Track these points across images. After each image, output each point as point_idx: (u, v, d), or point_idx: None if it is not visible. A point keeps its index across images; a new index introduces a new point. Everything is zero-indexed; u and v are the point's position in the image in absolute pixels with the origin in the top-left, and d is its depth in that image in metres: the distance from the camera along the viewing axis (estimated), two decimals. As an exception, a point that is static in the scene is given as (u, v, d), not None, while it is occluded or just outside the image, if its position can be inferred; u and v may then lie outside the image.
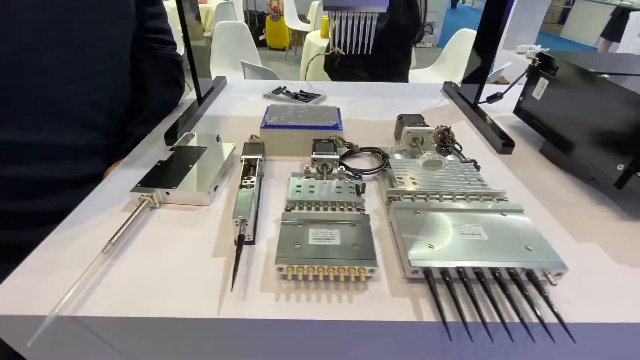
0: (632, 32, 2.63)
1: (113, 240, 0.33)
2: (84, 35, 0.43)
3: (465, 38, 2.20)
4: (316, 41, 2.14)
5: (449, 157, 0.50)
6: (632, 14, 2.71)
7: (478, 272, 0.30)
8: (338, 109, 0.55)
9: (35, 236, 0.37)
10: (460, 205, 0.37)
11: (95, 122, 0.48)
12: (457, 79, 1.24)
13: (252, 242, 0.35)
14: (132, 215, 0.36)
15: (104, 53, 0.47)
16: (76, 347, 0.32)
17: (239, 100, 0.72)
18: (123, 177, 0.46)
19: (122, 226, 0.35)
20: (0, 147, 0.39)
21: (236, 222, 0.33)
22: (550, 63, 0.51)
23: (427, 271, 0.30)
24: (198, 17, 0.62)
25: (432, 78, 2.39)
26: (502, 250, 0.31)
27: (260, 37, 4.32)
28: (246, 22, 4.01)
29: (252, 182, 0.40)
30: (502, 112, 0.67)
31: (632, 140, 0.38)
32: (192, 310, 0.29)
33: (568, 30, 5.23)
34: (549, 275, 0.30)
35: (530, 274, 0.30)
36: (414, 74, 2.45)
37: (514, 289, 0.29)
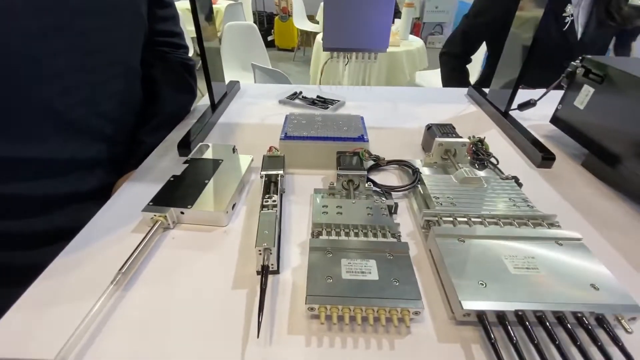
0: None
1: (123, 270, 0.30)
2: (92, 40, 0.40)
3: (479, 39, 2.14)
4: (326, 42, 2.10)
5: (482, 172, 0.46)
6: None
7: (540, 316, 0.26)
8: (362, 118, 0.51)
9: (42, 256, 0.34)
10: (509, 231, 0.33)
11: (103, 132, 0.45)
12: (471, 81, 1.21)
13: (277, 272, 0.32)
14: (143, 239, 0.33)
15: (113, 59, 0.44)
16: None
17: (253, 106, 0.68)
18: (133, 192, 0.42)
19: (133, 253, 0.31)
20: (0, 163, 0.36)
21: (259, 251, 0.30)
22: (596, 70, 0.47)
23: (481, 314, 0.26)
24: (211, 17, 0.59)
25: (444, 80, 2.33)
26: (565, 290, 0.27)
27: (269, 38, 4.30)
28: (255, 22, 3.99)
29: (274, 202, 0.36)
30: (535, 121, 0.63)
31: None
32: (212, 356, 0.25)
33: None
34: (622, 320, 0.26)
35: (600, 319, 0.26)
36: (424, 76, 2.40)
37: (582, 336, 0.25)
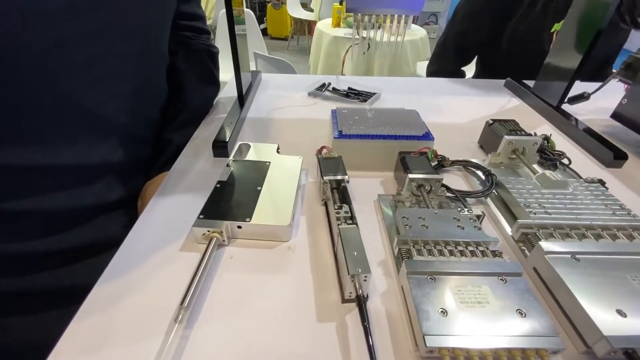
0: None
1: (185, 303, 0.24)
2: (125, 22, 0.33)
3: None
4: (327, 30, 2.03)
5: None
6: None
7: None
8: (417, 113, 0.46)
9: (72, 276, 0.28)
10: (623, 246, 0.29)
11: (132, 131, 0.38)
12: (470, 72, 1.11)
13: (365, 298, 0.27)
14: (201, 261, 0.27)
15: (144, 44, 0.37)
16: None
17: (281, 99, 0.62)
18: (170, 201, 0.36)
19: (192, 281, 0.26)
20: (21, 173, 0.29)
21: (352, 278, 0.25)
22: (676, 61, 0.43)
23: (630, 352, 0.22)
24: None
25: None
26: None
27: (261, 26, 4.16)
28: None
29: (347, 213, 0.31)
30: (585, 115, 0.59)
31: None
32: (315, 413, 0.20)
33: None
34: None
35: None
36: (424, 67, 2.35)
37: None
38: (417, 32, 2.14)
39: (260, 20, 4.19)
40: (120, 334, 0.24)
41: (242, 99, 0.55)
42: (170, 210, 0.35)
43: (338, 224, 0.29)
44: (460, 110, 0.61)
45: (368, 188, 0.40)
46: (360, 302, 0.24)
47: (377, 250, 0.32)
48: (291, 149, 0.44)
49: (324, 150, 0.41)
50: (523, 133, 0.43)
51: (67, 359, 0.23)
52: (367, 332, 0.22)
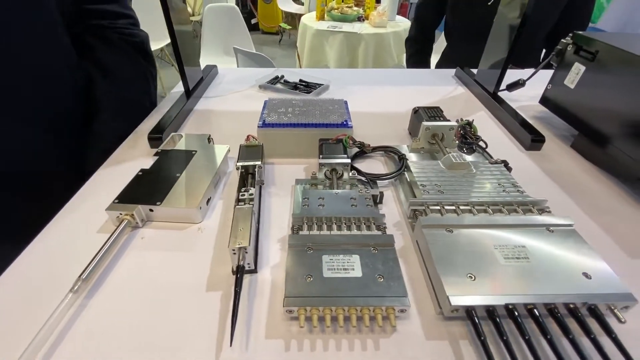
0: None
1: (83, 276, 0.27)
2: None
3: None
4: (311, 24, 2.03)
5: (471, 157, 0.44)
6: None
7: (530, 309, 0.25)
8: (345, 102, 0.48)
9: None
10: (499, 219, 0.31)
11: (36, 126, 0.40)
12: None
13: (254, 271, 0.30)
14: (107, 241, 0.30)
15: (25, 38, 0.37)
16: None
17: (232, 92, 0.65)
18: (99, 189, 0.39)
19: (95, 256, 0.29)
20: None
21: (233, 251, 0.27)
22: (587, 47, 0.45)
23: (470, 310, 0.24)
24: (183, -2, 0.54)
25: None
26: (556, 280, 0.26)
27: (253, 21, 4.15)
28: (237, 4, 3.83)
29: (251, 195, 0.33)
30: (524, 102, 0.61)
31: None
32: (182, 366, 0.23)
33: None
34: (616, 310, 0.25)
35: (593, 309, 0.25)
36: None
37: (574, 326, 0.24)
38: (400, 24, 2.14)
39: (252, 15, 4.18)
40: (27, 304, 0.27)
41: (188, 92, 0.57)
42: (97, 199, 0.38)
43: (236, 205, 0.32)
44: (404, 99, 0.63)
45: (291, 174, 0.42)
46: (238, 271, 0.26)
47: (281, 229, 0.34)
48: (228, 140, 0.46)
49: (251, 139, 0.43)
50: (442, 119, 0.45)
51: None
52: (235, 296, 0.25)
